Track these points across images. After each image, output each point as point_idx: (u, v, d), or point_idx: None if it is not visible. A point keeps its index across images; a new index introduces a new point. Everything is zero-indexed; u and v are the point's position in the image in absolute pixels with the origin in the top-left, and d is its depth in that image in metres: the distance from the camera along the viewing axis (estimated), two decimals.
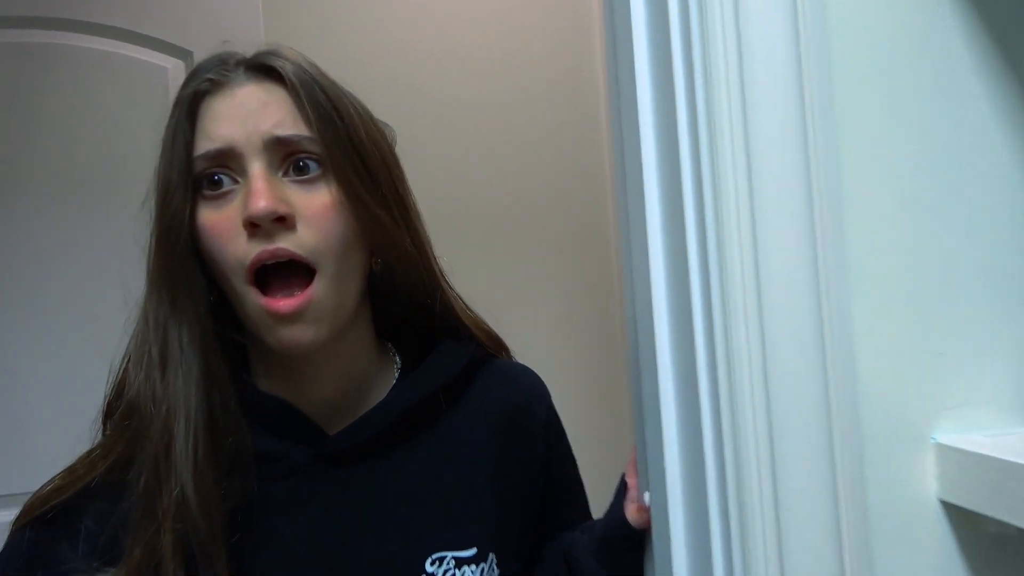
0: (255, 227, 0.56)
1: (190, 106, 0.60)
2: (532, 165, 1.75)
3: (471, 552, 0.64)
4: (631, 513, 0.62)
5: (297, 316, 0.57)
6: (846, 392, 0.40)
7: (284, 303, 0.57)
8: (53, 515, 0.59)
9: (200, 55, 1.44)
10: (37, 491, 0.61)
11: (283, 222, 0.56)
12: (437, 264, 0.69)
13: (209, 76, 0.60)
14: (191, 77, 0.61)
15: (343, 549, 0.62)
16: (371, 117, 0.64)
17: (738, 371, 0.40)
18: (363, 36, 1.65)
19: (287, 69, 0.59)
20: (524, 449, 0.72)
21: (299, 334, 0.57)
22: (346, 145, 0.59)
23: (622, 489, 0.66)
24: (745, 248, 0.40)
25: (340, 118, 0.59)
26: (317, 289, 0.58)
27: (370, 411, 0.65)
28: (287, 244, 0.57)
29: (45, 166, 1.44)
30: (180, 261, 0.59)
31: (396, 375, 0.70)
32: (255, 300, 0.58)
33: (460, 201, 1.70)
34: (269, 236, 0.56)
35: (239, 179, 0.58)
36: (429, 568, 0.62)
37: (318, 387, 0.65)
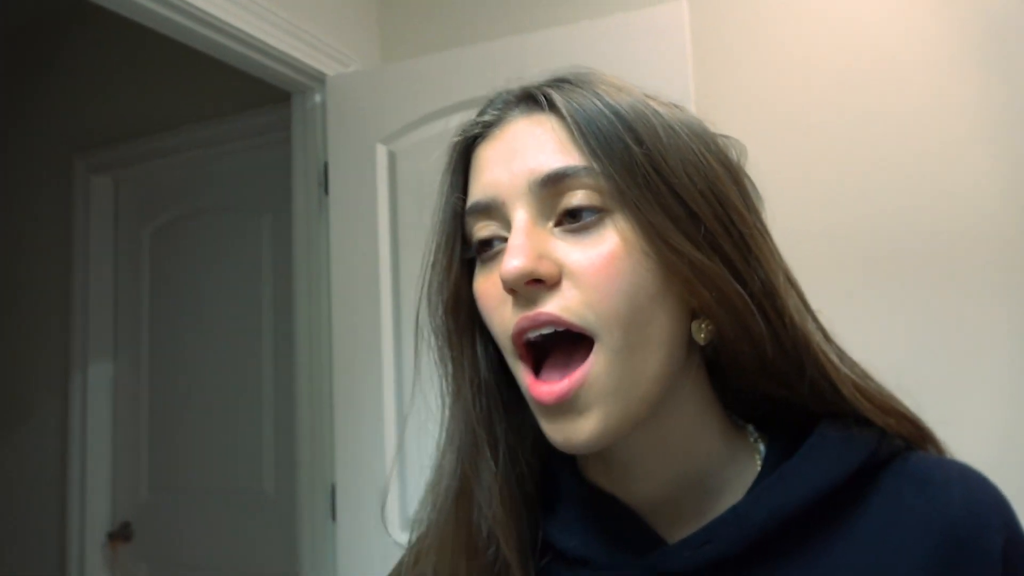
0: (514, 292, 0.45)
1: (461, 155, 0.52)
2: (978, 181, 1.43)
3: None
4: None
5: (566, 406, 0.45)
6: None
7: (546, 389, 0.45)
8: None
9: None
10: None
11: (543, 284, 0.45)
12: (809, 322, 0.50)
13: (482, 119, 0.51)
14: (467, 124, 0.52)
15: None
16: (698, 134, 0.49)
17: None
18: (791, 70, 1.61)
19: (554, 94, 0.48)
20: None
21: (571, 431, 0.45)
22: (646, 173, 0.46)
23: None
24: None
25: (637, 141, 0.46)
26: (594, 366, 0.44)
27: (721, 517, 0.48)
28: (549, 307, 0.45)
29: None
30: (455, 332, 0.52)
31: (759, 468, 0.52)
32: (523, 380, 0.47)
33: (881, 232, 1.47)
34: (531, 301, 0.45)
35: (507, 234, 0.47)
36: None
37: (642, 482, 0.51)
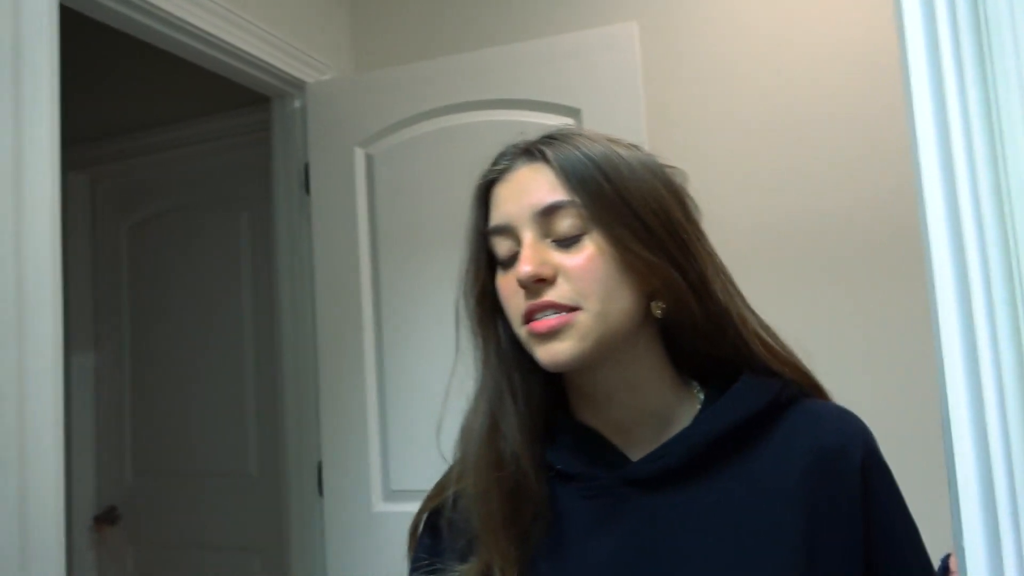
0: (525, 287, 0.65)
1: (483, 193, 0.71)
2: (841, 190, 1.71)
3: None
4: None
5: (553, 334, 0.64)
6: None
7: (541, 323, 0.64)
8: (429, 517, 0.75)
9: (587, 113, 1.73)
10: (424, 499, 0.77)
11: (545, 281, 0.64)
12: (735, 302, 0.69)
13: (496, 168, 0.71)
14: (486, 171, 0.72)
15: (642, 569, 0.65)
16: (651, 168, 0.68)
17: None
18: (725, 86, 1.82)
19: (545, 149, 0.67)
20: (838, 498, 0.66)
21: (555, 351, 0.64)
22: (612, 201, 0.65)
23: (943, 572, 0.61)
24: None
25: (606, 179, 0.65)
26: (575, 316, 0.64)
27: (671, 440, 0.68)
28: (549, 296, 0.64)
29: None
30: (483, 316, 0.72)
31: (699, 407, 0.71)
32: (524, 333, 0.66)
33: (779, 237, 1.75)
34: (536, 293, 0.64)
35: (519, 248, 0.66)
36: None
37: (615, 415, 0.70)
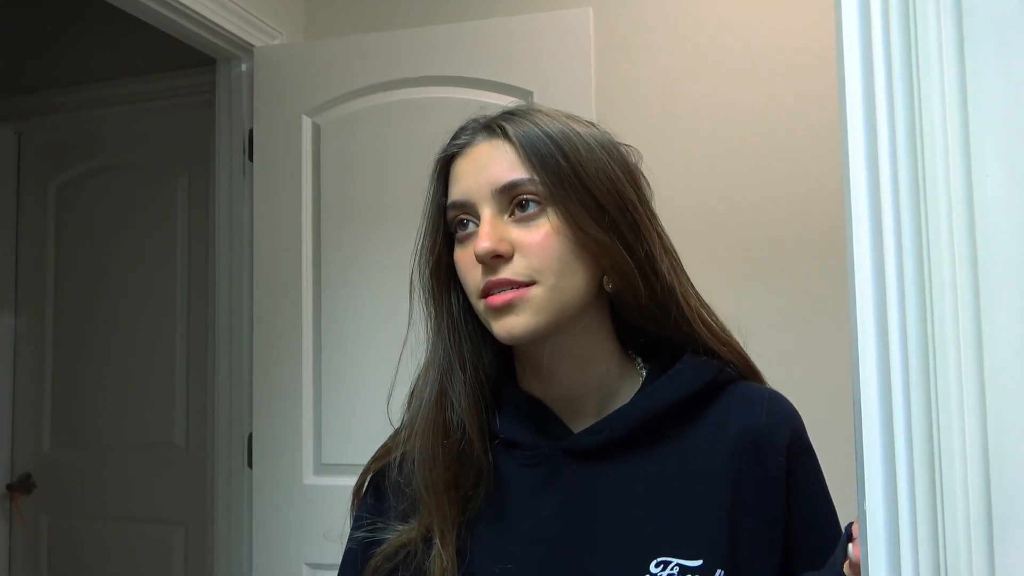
0: (483, 263, 0.66)
1: (443, 167, 0.72)
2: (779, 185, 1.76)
3: (697, 563, 0.66)
4: (846, 568, 0.61)
5: (508, 308, 0.65)
6: None
7: (497, 297, 0.65)
8: (373, 479, 0.77)
9: (538, 96, 1.73)
10: (369, 460, 0.78)
11: (502, 258, 0.65)
12: (680, 281, 0.71)
13: (456, 142, 0.71)
14: (447, 145, 0.72)
15: (574, 536, 0.68)
16: (606, 148, 0.69)
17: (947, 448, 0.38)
18: (676, 73, 1.84)
19: (506, 126, 0.68)
20: (763, 477, 0.70)
21: (511, 325, 0.65)
22: (569, 179, 0.66)
23: (847, 540, 0.64)
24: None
25: (564, 157, 0.66)
26: (531, 291, 0.65)
27: (612, 414, 0.71)
28: (505, 274, 0.65)
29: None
30: (437, 288, 0.73)
31: (641, 383, 0.74)
32: (481, 307, 0.68)
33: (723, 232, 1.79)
34: (493, 269, 0.66)
35: (477, 222, 0.68)
36: (654, 570, 0.66)
37: (560, 387, 0.73)
